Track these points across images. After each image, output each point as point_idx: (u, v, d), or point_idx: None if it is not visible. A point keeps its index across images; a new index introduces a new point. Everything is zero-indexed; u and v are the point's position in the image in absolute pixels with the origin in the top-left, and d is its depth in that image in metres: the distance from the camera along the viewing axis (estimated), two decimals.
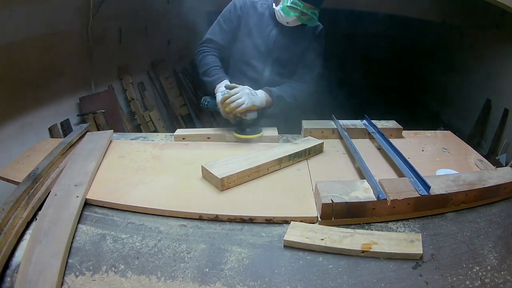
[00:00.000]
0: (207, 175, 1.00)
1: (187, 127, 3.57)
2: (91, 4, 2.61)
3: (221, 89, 1.32)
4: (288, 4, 1.28)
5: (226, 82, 1.35)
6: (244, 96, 1.23)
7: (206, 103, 1.41)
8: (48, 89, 2.40)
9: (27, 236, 0.81)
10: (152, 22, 3.55)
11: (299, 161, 1.13)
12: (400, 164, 1.02)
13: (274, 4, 1.39)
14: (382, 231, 0.81)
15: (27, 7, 2.09)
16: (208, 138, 1.33)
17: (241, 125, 1.32)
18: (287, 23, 1.35)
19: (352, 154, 1.12)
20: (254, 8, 1.44)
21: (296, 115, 1.53)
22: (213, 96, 1.38)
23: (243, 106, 1.22)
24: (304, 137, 1.32)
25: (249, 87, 1.29)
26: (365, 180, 0.90)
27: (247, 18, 1.43)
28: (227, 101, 1.23)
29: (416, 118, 3.57)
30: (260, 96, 1.32)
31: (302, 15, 1.31)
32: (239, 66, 1.51)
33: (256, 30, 1.43)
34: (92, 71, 2.83)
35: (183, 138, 1.32)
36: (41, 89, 2.34)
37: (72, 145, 1.22)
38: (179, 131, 1.37)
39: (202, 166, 1.01)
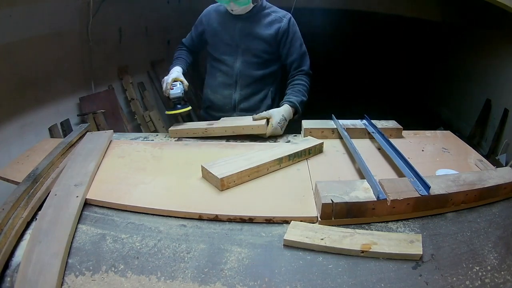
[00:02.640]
0: (207, 175, 1.00)
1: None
2: (91, 4, 2.61)
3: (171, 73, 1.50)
4: None
5: (176, 67, 1.54)
6: (272, 131, 1.36)
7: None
8: (48, 89, 2.40)
9: (27, 236, 0.81)
10: (152, 22, 3.55)
11: (299, 161, 1.13)
12: (400, 164, 1.02)
13: None
14: (382, 231, 0.81)
15: (27, 7, 2.09)
16: (206, 131, 1.38)
17: (169, 103, 1.45)
18: (232, 10, 1.46)
19: (352, 154, 1.12)
20: (217, 11, 1.58)
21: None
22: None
23: (280, 131, 1.37)
24: (304, 137, 1.32)
25: (279, 121, 1.37)
26: (365, 180, 0.90)
27: (211, 22, 1.58)
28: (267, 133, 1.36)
29: (416, 118, 3.56)
30: (287, 112, 1.42)
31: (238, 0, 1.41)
32: (213, 64, 1.65)
33: (221, 28, 1.55)
34: (92, 71, 2.83)
35: (176, 134, 1.40)
36: (41, 89, 2.34)
37: (72, 145, 1.22)
38: (175, 126, 1.43)
39: (202, 166, 1.01)
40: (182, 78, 1.48)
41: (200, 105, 1.56)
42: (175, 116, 1.45)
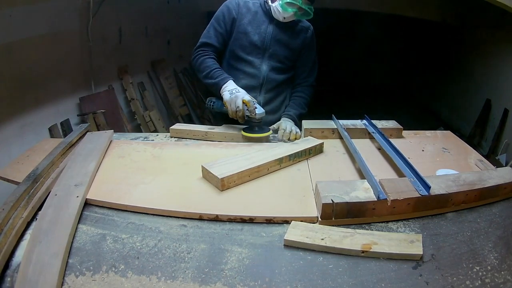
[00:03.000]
0: (207, 175, 1.00)
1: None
2: (91, 4, 2.62)
3: (227, 89, 1.35)
4: (288, 0, 1.36)
5: (230, 82, 1.38)
6: (290, 125, 1.39)
7: (212, 104, 1.46)
8: (48, 89, 2.40)
9: (27, 236, 0.81)
10: (152, 22, 3.55)
11: (300, 161, 1.13)
12: (400, 164, 1.02)
13: (270, 1, 1.45)
14: (382, 231, 0.81)
15: (27, 7, 2.09)
16: (206, 134, 1.38)
17: (249, 125, 1.34)
18: (284, 18, 1.43)
19: (352, 154, 1.12)
20: (247, 7, 1.49)
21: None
22: (218, 97, 1.41)
23: (298, 132, 1.37)
24: (304, 137, 1.32)
25: (234, 90, 1.33)
26: (365, 180, 0.90)
27: (241, 18, 1.48)
28: (291, 137, 1.34)
29: (416, 118, 3.57)
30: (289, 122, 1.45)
31: (299, 10, 1.39)
32: (235, 64, 1.53)
33: (251, 27, 1.48)
34: (92, 71, 2.83)
35: (176, 133, 1.40)
36: (41, 89, 2.34)
37: (72, 145, 1.22)
38: (177, 126, 1.43)
39: (202, 166, 1.01)
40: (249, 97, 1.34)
41: (206, 106, 1.51)
42: (255, 138, 1.31)
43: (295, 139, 1.32)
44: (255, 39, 1.47)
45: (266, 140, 1.33)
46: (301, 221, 0.83)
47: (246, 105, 1.28)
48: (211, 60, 1.46)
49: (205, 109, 3.96)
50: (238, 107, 1.29)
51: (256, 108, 1.29)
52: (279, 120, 1.53)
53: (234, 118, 1.33)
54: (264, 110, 1.32)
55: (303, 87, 1.61)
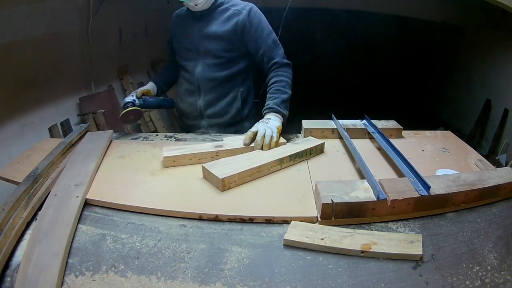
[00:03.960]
0: (207, 176, 1.00)
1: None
2: (91, 4, 2.62)
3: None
4: None
5: (150, 84, 1.56)
6: (267, 131, 1.17)
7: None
8: (48, 89, 2.40)
9: (27, 236, 0.81)
10: (152, 22, 3.55)
11: (300, 161, 1.13)
12: (400, 164, 1.02)
13: None
14: (382, 231, 0.81)
15: (27, 7, 2.09)
16: (217, 155, 1.13)
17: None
18: (196, 6, 1.36)
19: (352, 154, 1.12)
20: (178, 16, 1.54)
21: None
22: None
23: (274, 136, 1.16)
24: (304, 137, 1.32)
25: (262, 121, 1.25)
26: (365, 180, 0.90)
27: (173, 29, 1.55)
28: (263, 146, 1.14)
29: (416, 118, 3.56)
30: (274, 118, 1.27)
31: None
32: (180, 71, 1.60)
33: (181, 33, 1.50)
34: (92, 71, 2.83)
35: (174, 161, 1.11)
36: (41, 89, 2.34)
37: (72, 145, 1.22)
38: (167, 152, 1.12)
39: (203, 166, 1.01)
40: (143, 88, 1.52)
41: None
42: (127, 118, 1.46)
43: (274, 146, 1.15)
44: (186, 42, 1.48)
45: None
46: (301, 221, 0.83)
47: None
48: (164, 68, 1.71)
49: None
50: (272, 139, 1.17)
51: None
52: (229, 123, 1.52)
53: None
54: (133, 96, 1.46)
55: (274, 70, 1.41)
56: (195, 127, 1.61)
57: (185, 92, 1.55)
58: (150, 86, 1.55)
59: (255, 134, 1.16)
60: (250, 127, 1.23)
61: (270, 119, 1.26)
